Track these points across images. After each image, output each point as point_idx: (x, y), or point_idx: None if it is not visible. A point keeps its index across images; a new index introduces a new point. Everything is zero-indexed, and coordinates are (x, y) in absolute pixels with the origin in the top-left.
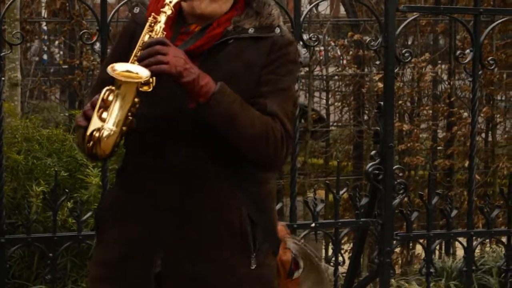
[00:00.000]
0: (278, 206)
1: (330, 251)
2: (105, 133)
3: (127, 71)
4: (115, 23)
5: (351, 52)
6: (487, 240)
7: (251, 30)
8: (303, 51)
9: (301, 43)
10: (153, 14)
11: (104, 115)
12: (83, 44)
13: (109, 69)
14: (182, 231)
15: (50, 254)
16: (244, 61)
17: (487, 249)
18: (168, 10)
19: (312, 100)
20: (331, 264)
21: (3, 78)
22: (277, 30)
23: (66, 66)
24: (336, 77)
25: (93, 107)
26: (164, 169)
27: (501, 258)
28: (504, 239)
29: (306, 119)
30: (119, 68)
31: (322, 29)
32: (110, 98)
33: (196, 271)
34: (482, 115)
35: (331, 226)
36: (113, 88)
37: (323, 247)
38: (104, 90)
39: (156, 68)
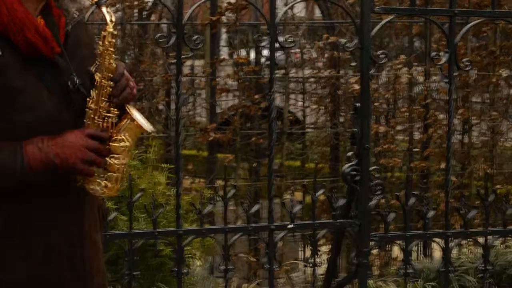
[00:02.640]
0: (255, 208)
1: (308, 252)
2: (123, 175)
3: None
4: None
5: (326, 54)
6: (464, 242)
7: (75, 15)
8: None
9: (277, 44)
10: (103, 33)
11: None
12: None
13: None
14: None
15: None
16: (85, 46)
17: (464, 250)
18: (114, 30)
19: (288, 102)
20: (309, 265)
21: None
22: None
23: None
24: (312, 79)
25: (92, 150)
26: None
27: (478, 259)
28: (481, 240)
29: (283, 121)
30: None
31: (297, 31)
32: (121, 143)
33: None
34: (458, 117)
35: (308, 228)
36: (123, 134)
37: (301, 248)
38: (114, 135)
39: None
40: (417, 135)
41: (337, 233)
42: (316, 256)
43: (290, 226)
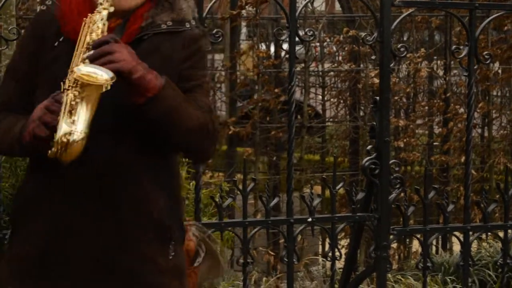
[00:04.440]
0: (274, 201)
1: (327, 246)
2: (76, 136)
3: (90, 72)
4: None
5: (346, 48)
6: (484, 236)
7: (163, 26)
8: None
9: (297, 38)
10: (89, 15)
11: (70, 119)
12: None
13: (73, 71)
14: (101, 222)
15: None
16: (160, 56)
17: (484, 244)
18: (110, 7)
19: (307, 95)
20: (328, 259)
21: None
22: (187, 25)
23: None
24: (332, 73)
25: (50, 111)
26: (85, 163)
27: (498, 253)
28: (501, 234)
29: (302, 114)
30: (81, 70)
31: (317, 25)
32: (74, 101)
33: (114, 260)
34: (478, 110)
35: (327, 221)
36: (76, 90)
37: (320, 242)
38: (66, 94)
39: (110, 67)
40: (437, 129)
41: (356, 227)
42: (335, 250)
43: (309, 219)
